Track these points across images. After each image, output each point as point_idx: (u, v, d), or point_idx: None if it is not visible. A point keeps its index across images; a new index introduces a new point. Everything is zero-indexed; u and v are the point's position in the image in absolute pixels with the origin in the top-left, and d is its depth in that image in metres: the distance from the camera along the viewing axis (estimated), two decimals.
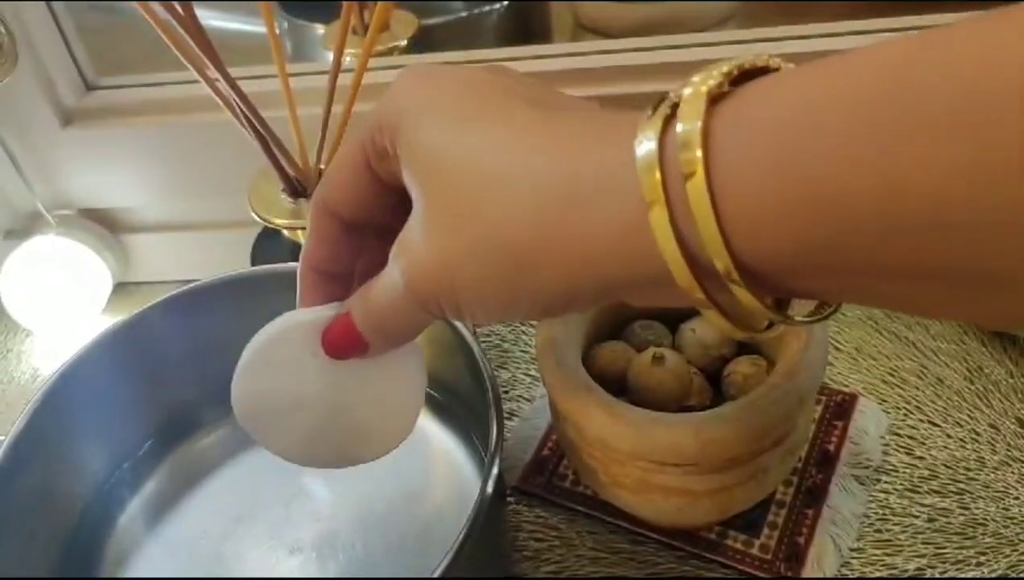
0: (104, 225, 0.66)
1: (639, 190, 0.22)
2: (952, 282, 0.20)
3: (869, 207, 0.19)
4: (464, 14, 0.79)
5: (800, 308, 0.26)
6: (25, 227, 0.66)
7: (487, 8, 0.76)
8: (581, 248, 0.24)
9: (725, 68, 0.22)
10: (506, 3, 0.76)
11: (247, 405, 0.35)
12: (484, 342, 0.59)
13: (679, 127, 0.21)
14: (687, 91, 0.22)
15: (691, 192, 0.21)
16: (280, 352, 0.33)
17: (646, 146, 0.22)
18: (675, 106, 0.22)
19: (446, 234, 0.26)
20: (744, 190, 0.21)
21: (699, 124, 0.21)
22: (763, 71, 0.23)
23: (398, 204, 0.29)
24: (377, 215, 0.31)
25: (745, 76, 0.22)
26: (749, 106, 0.21)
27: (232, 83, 0.45)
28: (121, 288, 0.68)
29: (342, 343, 0.32)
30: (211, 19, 0.59)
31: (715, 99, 0.22)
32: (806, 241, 0.20)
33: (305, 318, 0.33)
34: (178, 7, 0.42)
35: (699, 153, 0.21)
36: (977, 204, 0.18)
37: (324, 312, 0.32)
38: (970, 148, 0.18)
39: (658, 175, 0.22)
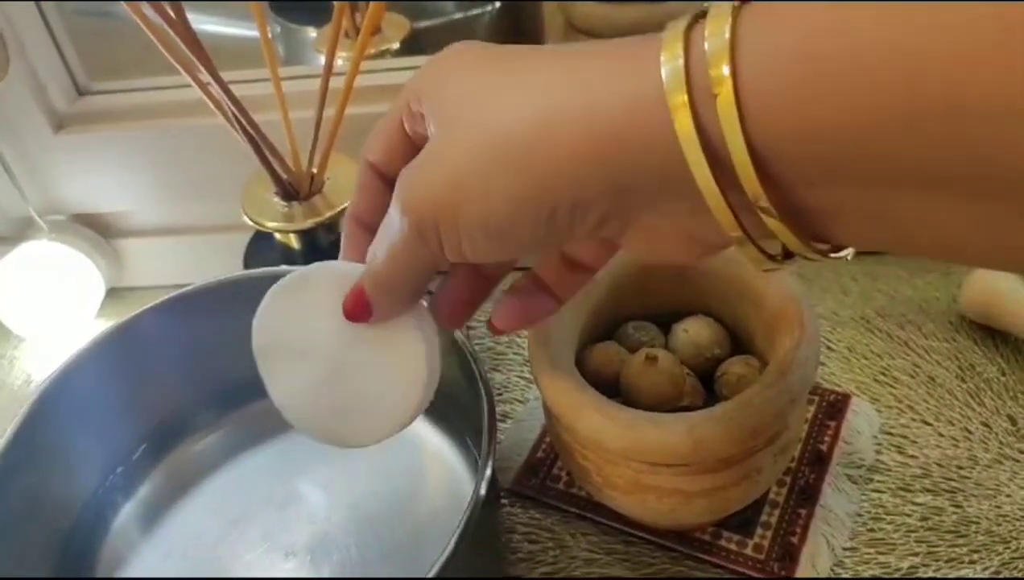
0: (96, 230, 0.66)
1: (662, 83, 0.22)
2: (970, 194, 0.20)
3: (893, 90, 0.19)
4: (456, 16, 0.79)
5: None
6: (17, 232, 0.66)
7: (479, 10, 0.76)
8: (596, 134, 0.23)
9: None
10: (498, 4, 0.76)
11: (264, 338, 0.35)
12: (477, 345, 0.59)
13: (707, 39, 0.21)
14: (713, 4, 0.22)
15: (720, 103, 0.21)
16: (305, 295, 0.33)
17: (671, 51, 0.22)
18: (702, 14, 0.22)
19: (449, 150, 0.26)
20: (767, 74, 0.20)
21: (727, 31, 0.21)
22: None
23: None
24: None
25: None
26: (776, 8, 0.21)
27: (224, 87, 0.45)
28: (114, 293, 0.67)
29: (351, 303, 0.32)
30: (203, 23, 0.59)
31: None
32: (830, 126, 0.20)
33: (336, 269, 0.33)
34: (169, 10, 0.42)
35: (726, 70, 0.21)
36: (1000, 91, 0.18)
37: (357, 268, 0.32)
38: (994, 32, 0.17)
39: (683, 91, 0.21)
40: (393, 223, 0.28)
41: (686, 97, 0.21)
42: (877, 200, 0.21)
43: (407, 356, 0.33)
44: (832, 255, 0.25)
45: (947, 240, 0.22)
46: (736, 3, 0.21)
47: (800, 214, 0.23)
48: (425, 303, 0.34)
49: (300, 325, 0.34)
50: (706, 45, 0.21)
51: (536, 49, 0.26)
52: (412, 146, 0.31)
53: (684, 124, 0.22)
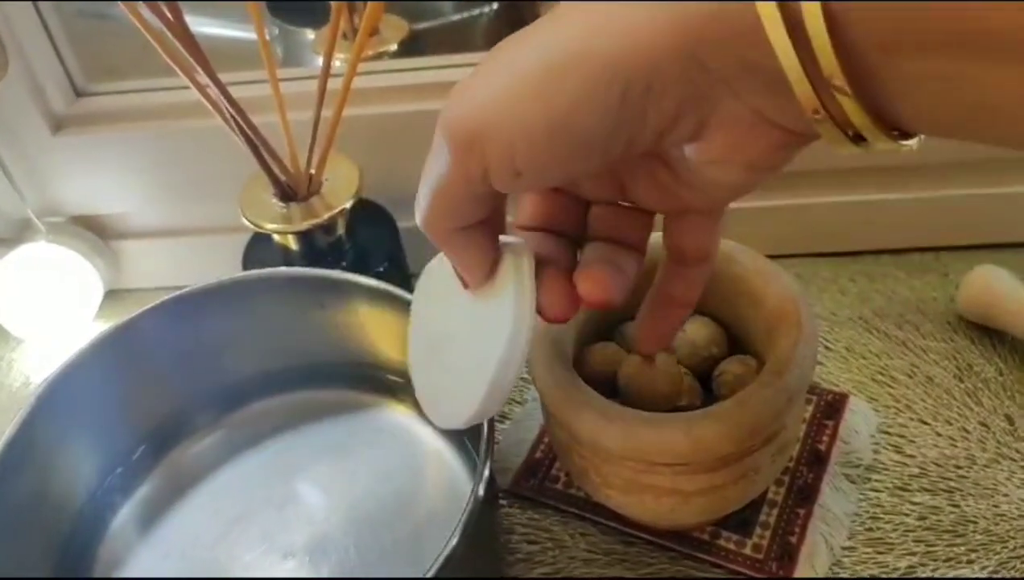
0: (95, 232, 0.66)
1: None
2: None
3: None
4: (454, 18, 0.79)
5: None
6: (15, 234, 0.66)
7: (476, 12, 0.76)
8: (668, 6, 0.23)
9: None
10: (496, 6, 0.76)
11: (425, 281, 0.36)
12: None
13: None
14: None
15: None
16: (441, 278, 0.34)
17: None
18: None
19: (497, 67, 0.25)
20: None
21: None
22: None
23: None
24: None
25: None
26: None
27: (222, 88, 0.45)
28: (112, 294, 0.67)
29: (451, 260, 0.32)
30: (200, 25, 0.59)
31: None
32: None
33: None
34: (166, 11, 0.42)
35: None
36: None
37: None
38: None
39: None
40: (437, 146, 0.27)
41: None
42: (958, 67, 0.20)
43: (489, 337, 0.31)
44: (903, 142, 0.24)
45: (1020, 116, 0.21)
46: None
47: (871, 86, 0.22)
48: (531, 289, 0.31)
49: (446, 288, 0.33)
50: None
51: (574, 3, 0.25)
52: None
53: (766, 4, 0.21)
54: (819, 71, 0.22)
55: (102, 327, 0.48)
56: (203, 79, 0.45)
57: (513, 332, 0.31)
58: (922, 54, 0.21)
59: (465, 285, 0.32)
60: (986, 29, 0.19)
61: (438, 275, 0.34)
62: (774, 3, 0.21)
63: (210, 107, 0.47)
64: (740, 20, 0.22)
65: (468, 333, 0.33)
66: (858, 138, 0.24)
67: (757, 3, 0.21)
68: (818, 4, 0.20)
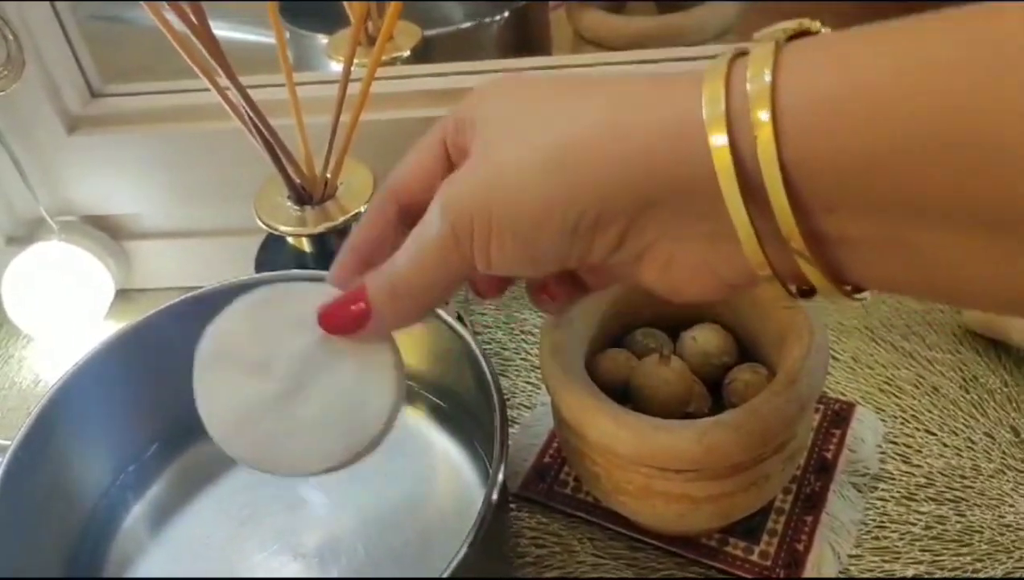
0: (107, 231, 0.66)
1: (698, 106, 0.23)
2: (991, 229, 0.20)
3: (922, 120, 0.20)
4: (466, 25, 0.80)
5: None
6: (28, 233, 0.66)
7: (488, 19, 0.77)
8: (628, 148, 0.24)
9: (789, 25, 0.24)
10: (507, 15, 0.77)
11: (214, 345, 0.33)
12: (485, 350, 0.59)
13: (749, 58, 0.23)
14: (756, 43, 0.23)
15: (754, 122, 0.22)
16: (275, 309, 0.32)
17: (712, 82, 0.23)
18: (736, 57, 0.24)
19: (490, 156, 0.27)
20: (804, 110, 0.22)
21: (770, 58, 0.22)
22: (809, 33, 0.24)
23: None
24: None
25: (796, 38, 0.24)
26: (813, 45, 0.23)
27: (243, 91, 0.46)
28: (123, 295, 0.68)
29: (343, 310, 0.31)
30: (214, 29, 0.59)
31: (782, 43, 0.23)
32: (860, 155, 0.21)
33: (315, 288, 0.32)
34: (191, 16, 0.42)
35: (766, 77, 0.22)
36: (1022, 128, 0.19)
37: (335, 290, 0.31)
38: (1019, 70, 0.19)
39: (721, 102, 0.23)
40: (429, 226, 0.28)
41: (726, 132, 0.22)
42: (898, 230, 0.22)
43: (373, 383, 0.32)
44: (854, 296, 0.25)
45: (963, 279, 0.23)
46: (774, 45, 0.23)
47: (824, 245, 0.24)
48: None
49: (261, 338, 0.32)
50: (748, 87, 0.22)
51: (580, 78, 0.28)
52: (447, 169, 0.31)
53: (722, 157, 0.23)
54: (769, 229, 0.23)
55: (113, 327, 0.49)
56: (223, 82, 0.46)
57: (398, 382, 0.32)
58: (865, 216, 0.22)
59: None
60: (921, 194, 0.21)
61: (273, 307, 0.32)
62: (730, 161, 0.23)
63: (229, 110, 0.47)
64: (695, 171, 0.23)
65: (330, 378, 0.32)
66: (807, 293, 0.26)
67: (718, 172, 0.23)
68: (776, 165, 0.22)
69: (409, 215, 0.32)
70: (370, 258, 0.32)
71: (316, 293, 0.32)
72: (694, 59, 0.58)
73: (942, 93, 0.20)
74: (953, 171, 0.20)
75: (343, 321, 0.31)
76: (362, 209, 0.53)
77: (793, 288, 0.26)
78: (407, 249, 0.30)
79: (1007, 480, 0.48)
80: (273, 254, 0.57)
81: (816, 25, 0.24)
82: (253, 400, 0.32)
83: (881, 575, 0.44)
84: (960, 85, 0.19)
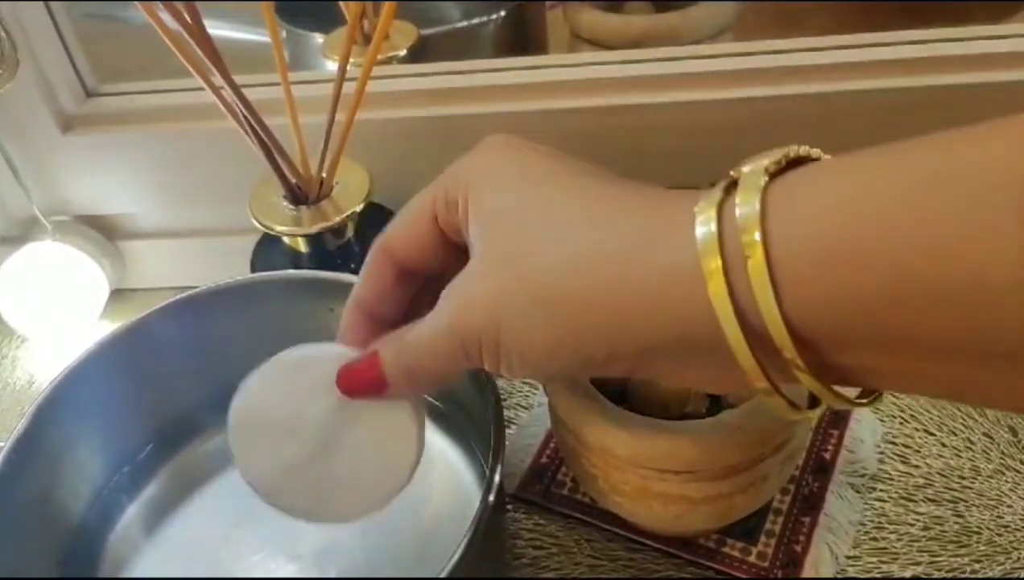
0: (102, 231, 0.66)
1: (696, 255, 0.24)
2: (994, 360, 0.21)
3: (917, 264, 0.20)
4: (462, 24, 0.79)
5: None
6: (22, 233, 0.66)
7: (485, 19, 0.77)
8: (631, 299, 0.25)
9: (778, 154, 0.24)
10: (504, 14, 0.77)
11: (245, 414, 0.35)
12: None
13: (738, 207, 0.23)
14: (745, 169, 0.24)
15: (751, 271, 0.23)
16: (297, 374, 0.34)
17: (706, 215, 0.24)
18: (732, 184, 0.24)
19: (499, 273, 0.28)
20: (796, 244, 0.22)
21: (758, 203, 0.23)
22: (805, 160, 0.25)
23: (454, 260, 0.31)
24: (432, 265, 0.33)
25: (791, 165, 0.24)
26: (801, 183, 0.23)
27: (237, 90, 0.45)
28: (118, 294, 0.67)
29: (360, 378, 0.32)
30: (208, 28, 0.59)
31: (771, 176, 0.24)
32: (855, 297, 0.21)
33: (334, 351, 0.33)
34: (185, 15, 0.42)
35: (757, 236, 0.23)
36: (1018, 265, 0.19)
37: (354, 353, 0.33)
38: (1007, 210, 0.19)
39: (717, 257, 0.23)
40: (439, 319, 0.29)
41: (719, 262, 0.23)
42: (908, 364, 0.23)
43: (397, 436, 0.34)
44: (861, 401, 0.26)
45: (983, 394, 0.23)
46: (765, 176, 0.23)
47: (832, 371, 0.24)
48: None
49: (288, 402, 0.34)
50: (737, 212, 0.23)
51: (581, 187, 0.28)
52: (441, 235, 0.31)
53: (718, 289, 0.23)
54: (778, 364, 0.24)
55: (107, 327, 0.48)
56: (218, 81, 0.46)
57: (419, 431, 0.34)
58: (873, 354, 0.23)
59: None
60: (923, 334, 0.21)
61: (294, 371, 0.34)
62: (729, 305, 0.23)
63: (224, 109, 0.47)
64: (697, 319, 0.24)
65: (357, 435, 0.34)
66: (811, 405, 0.27)
67: (715, 307, 0.23)
68: (777, 312, 0.22)
69: (407, 272, 0.33)
70: (375, 312, 0.34)
71: (334, 355, 0.33)
72: (691, 58, 0.58)
73: (923, 231, 0.20)
74: (950, 311, 0.20)
75: (361, 387, 0.32)
76: (358, 209, 0.52)
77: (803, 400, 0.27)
78: (419, 338, 0.30)
79: (1006, 481, 0.47)
80: (268, 254, 0.56)
81: (806, 150, 0.25)
82: (287, 461, 0.34)
83: (879, 576, 0.44)
84: (934, 221, 0.20)
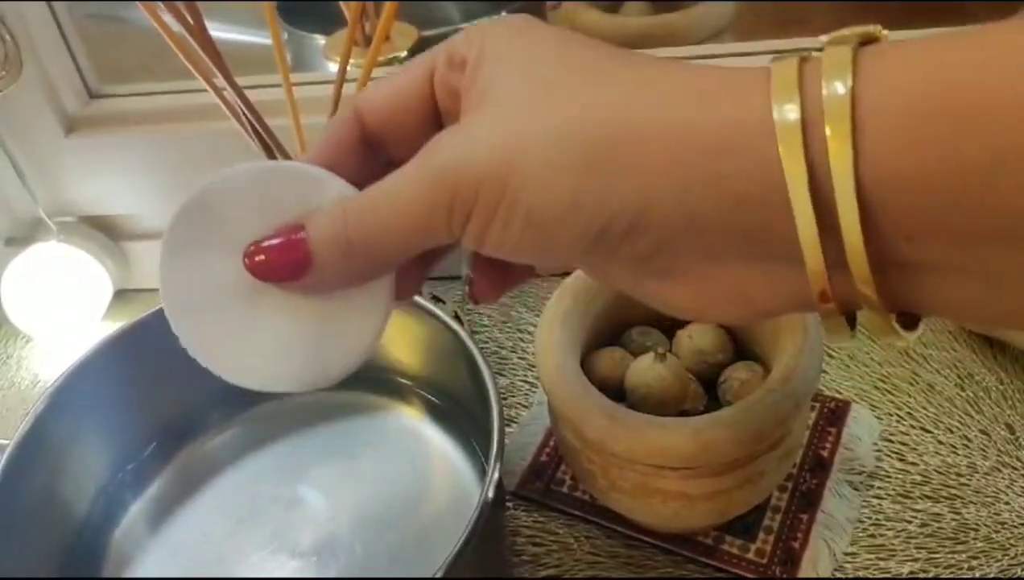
0: (105, 232, 0.67)
1: (767, 109, 0.20)
2: None
3: (1015, 132, 0.18)
4: (463, 26, 0.80)
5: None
6: (27, 234, 0.66)
7: (485, 19, 0.77)
8: (683, 146, 0.21)
9: (856, 30, 0.21)
10: (503, 14, 0.77)
11: (198, 206, 0.28)
12: (481, 349, 0.59)
13: (825, 63, 0.20)
14: (828, 46, 0.21)
15: (833, 148, 0.19)
16: (271, 187, 0.27)
17: (785, 70, 0.21)
18: (804, 61, 0.21)
19: (511, 124, 0.23)
20: (885, 120, 0.19)
21: (849, 55, 0.20)
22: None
23: (429, 136, 0.25)
24: (404, 135, 0.28)
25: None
26: (892, 49, 0.20)
27: (239, 92, 0.46)
28: (121, 294, 0.68)
29: (274, 254, 0.26)
30: (210, 29, 0.60)
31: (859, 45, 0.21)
32: (945, 172, 0.19)
33: (326, 179, 0.26)
34: (188, 16, 0.42)
35: (843, 87, 0.20)
36: None
37: (315, 170, 0.26)
38: None
39: (796, 110, 0.20)
40: (414, 181, 0.24)
41: (801, 143, 0.20)
42: (982, 256, 0.20)
43: (356, 317, 0.28)
44: (904, 334, 0.23)
45: None
46: (851, 49, 0.20)
47: (890, 272, 0.21)
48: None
49: (249, 219, 0.27)
50: (824, 94, 0.20)
51: (617, 50, 0.24)
52: (426, 103, 0.27)
53: (795, 169, 0.20)
54: (831, 256, 0.21)
55: (111, 327, 0.49)
56: (220, 82, 0.46)
57: (382, 322, 0.28)
58: (947, 242, 0.20)
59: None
60: (1005, 211, 0.19)
61: (249, 197, 0.27)
62: (805, 175, 0.20)
63: (226, 110, 0.47)
64: (760, 183, 0.21)
65: (307, 298, 0.27)
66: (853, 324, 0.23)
67: (789, 182, 0.20)
68: (852, 184, 0.19)
69: (373, 144, 0.28)
70: None
71: (322, 186, 0.26)
72: (690, 59, 0.58)
73: None
74: None
75: (272, 267, 0.26)
76: None
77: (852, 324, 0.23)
78: (376, 203, 0.25)
79: (1003, 477, 0.48)
80: None
81: (882, 31, 0.22)
82: (219, 289, 0.28)
83: (877, 573, 0.44)
84: None
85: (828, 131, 0.20)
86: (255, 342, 0.28)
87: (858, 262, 0.20)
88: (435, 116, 0.28)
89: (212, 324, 0.28)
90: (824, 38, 0.21)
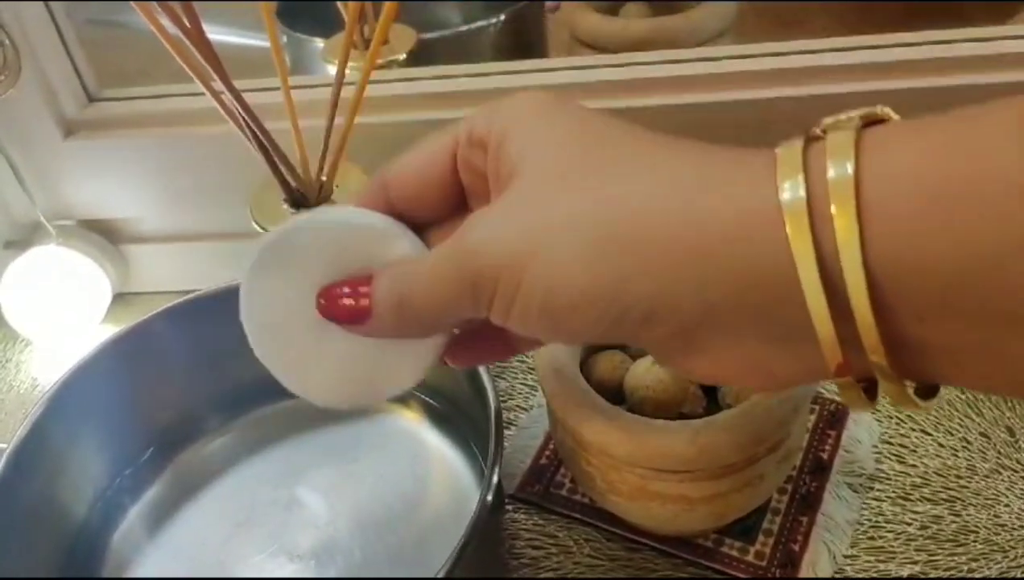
0: (104, 235, 0.67)
1: (775, 195, 0.21)
2: None
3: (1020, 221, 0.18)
4: (462, 28, 0.80)
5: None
6: (26, 237, 0.66)
7: (484, 23, 0.77)
8: (695, 239, 0.22)
9: (861, 110, 0.22)
10: (503, 18, 0.77)
11: (286, 240, 0.30)
12: None
13: (829, 147, 0.21)
14: (832, 129, 0.21)
15: (839, 229, 0.20)
16: (342, 237, 0.30)
17: (790, 157, 0.21)
18: (810, 142, 0.22)
19: (542, 205, 0.24)
20: (889, 204, 0.20)
21: (852, 140, 0.20)
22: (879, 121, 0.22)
23: (452, 214, 0.28)
24: (428, 211, 0.30)
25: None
26: (896, 131, 0.21)
27: (237, 95, 0.46)
28: (120, 298, 0.68)
29: (343, 301, 0.28)
30: (209, 32, 0.60)
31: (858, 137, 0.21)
32: (951, 258, 0.19)
33: (360, 220, 0.29)
34: (184, 19, 0.42)
35: (850, 168, 0.20)
36: None
37: (387, 224, 0.29)
38: None
39: (802, 195, 0.20)
40: (447, 252, 0.26)
41: (807, 220, 0.20)
42: (995, 338, 0.20)
43: (407, 357, 0.31)
44: (923, 403, 0.23)
45: None
46: (856, 130, 0.21)
47: (905, 351, 0.21)
48: None
49: (323, 261, 0.30)
50: (829, 172, 0.20)
51: (631, 130, 0.25)
52: (452, 176, 0.29)
53: (802, 247, 0.20)
54: (845, 334, 0.21)
55: (110, 330, 0.49)
56: (218, 86, 0.46)
57: (430, 366, 0.31)
58: (960, 325, 0.20)
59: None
60: (1018, 294, 0.19)
61: (325, 241, 0.30)
62: (813, 258, 0.20)
63: (224, 114, 0.47)
64: (773, 268, 0.21)
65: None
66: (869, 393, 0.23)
67: (799, 265, 0.20)
68: (860, 267, 0.20)
69: (397, 213, 0.30)
70: None
71: (394, 241, 0.29)
72: (691, 61, 0.58)
73: None
74: None
75: (341, 310, 0.29)
76: None
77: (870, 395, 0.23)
78: (418, 274, 0.27)
79: (1002, 480, 0.48)
80: None
81: (887, 112, 0.22)
82: (293, 315, 0.30)
83: (876, 575, 0.44)
84: None
85: (834, 209, 0.20)
86: (319, 364, 0.31)
87: (871, 339, 0.21)
88: (458, 189, 0.29)
89: (283, 342, 0.32)
90: (828, 120, 0.22)
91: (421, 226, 0.30)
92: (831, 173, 0.20)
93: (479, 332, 0.31)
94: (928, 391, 0.24)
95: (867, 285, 0.20)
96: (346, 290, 0.29)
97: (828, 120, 0.22)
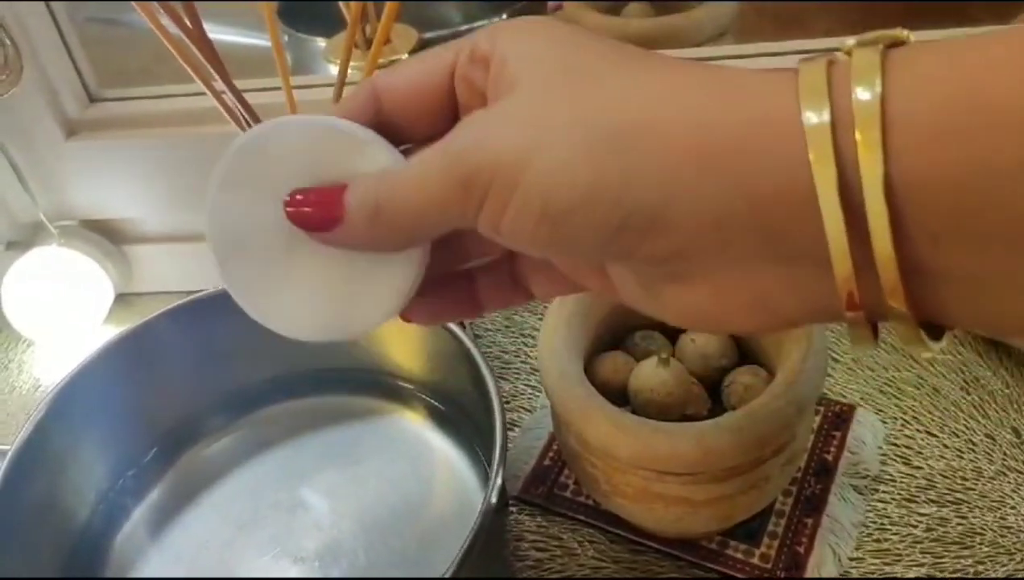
0: (106, 236, 0.67)
1: (796, 105, 0.20)
2: None
3: None
4: (463, 28, 0.80)
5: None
6: (27, 238, 0.66)
7: (486, 22, 0.77)
8: (707, 142, 0.21)
9: (885, 33, 0.21)
10: (505, 17, 0.77)
11: (250, 150, 0.28)
12: (485, 353, 0.59)
13: (855, 62, 0.20)
14: (856, 48, 0.21)
15: (860, 128, 0.19)
16: (320, 141, 0.28)
17: (814, 66, 0.21)
18: (831, 63, 0.21)
19: (535, 111, 0.23)
20: (914, 119, 0.19)
21: (878, 56, 0.20)
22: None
23: (443, 128, 0.26)
24: (417, 124, 0.28)
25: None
26: (923, 50, 0.20)
27: (238, 95, 0.46)
28: (122, 299, 0.68)
29: (312, 204, 0.27)
30: (210, 32, 0.59)
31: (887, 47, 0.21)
32: (981, 165, 0.18)
33: (340, 125, 0.27)
34: (185, 19, 0.42)
35: (878, 86, 0.19)
36: None
37: (369, 135, 0.27)
38: None
39: (825, 104, 0.20)
40: (438, 160, 0.24)
41: (831, 147, 0.20)
42: (1010, 265, 0.20)
43: (386, 279, 0.29)
44: (930, 344, 0.22)
45: None
46: (880, 50, 0.20)
47: (917, 280, 0.21)
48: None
49: (296, 169, 0.28)
50: (854, 95, 0.20)
51: (637, 49, 0.24)
52: (444, 95, 0.27)
53: (824, 172, 0.20)
54: (859, 260, 0.20)
55: (112, 331, 0.49)
56: (219, 86, 0.46)
57: (412, 287, 0.29)
58: (974, 248, 0.20)
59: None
60: None
61: (300, 147, 0.28)
62: (834, 173, 0.20)
63: (226, 114, 0.47)
64: (788, 181, 0.20)
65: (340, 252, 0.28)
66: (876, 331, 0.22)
67: (816, 180, 0.20)
68: (880, 183, 0.19)
69: (385, 125, 0.28)
70: None
71: (372, 150, 0.27)
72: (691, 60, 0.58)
73: None
74: None
75: (309, 217, 0.27)
76: None
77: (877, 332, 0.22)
78: (403, 176, 0.25)
79: (1008, 482, 0.47)
80: None
81: (908, 34, 0.21)
82: (261, 230, 0.28)
83: (882, 577, 0.44)
84: None
85: (858, 136, 0.19)
86: (287, 287, 0.29)
87: (887, 267, 0.20)
88: (452, 107, 0.28)
89: (250, 262, 0.29)
90: (851, 41, 0.21)
91: (406, 140, 0.28)
92: (855, 96, 0.20)
93: (445, 285, 0.30)
94: (934, 333, 0.22)
95: (888, 212, 0.19)
96: (316, 192, 0.27)
97: (852, 40, 0.21)
